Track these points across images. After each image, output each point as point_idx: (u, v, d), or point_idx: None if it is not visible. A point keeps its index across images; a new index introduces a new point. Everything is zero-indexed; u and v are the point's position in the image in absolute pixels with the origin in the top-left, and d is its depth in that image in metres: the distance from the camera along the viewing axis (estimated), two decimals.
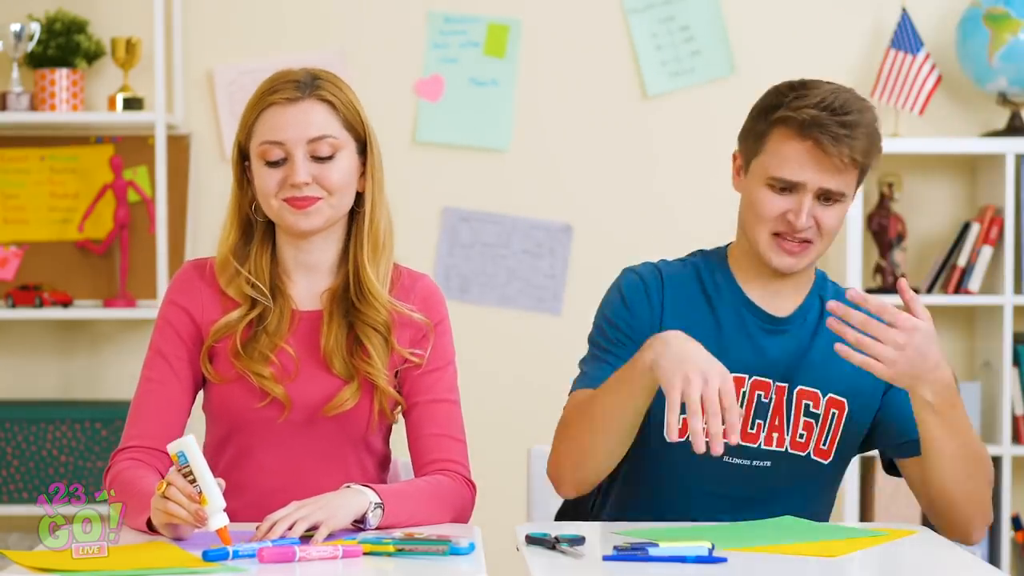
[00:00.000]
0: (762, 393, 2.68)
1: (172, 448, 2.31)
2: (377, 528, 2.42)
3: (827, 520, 2.79)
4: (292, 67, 2.63)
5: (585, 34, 4.71)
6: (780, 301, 2.72)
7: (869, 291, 4.59)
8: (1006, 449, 4.55)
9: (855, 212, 4.50)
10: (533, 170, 4.71)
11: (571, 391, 2.71)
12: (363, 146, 2.66)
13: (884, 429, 2.73)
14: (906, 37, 4.59)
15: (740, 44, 4.71)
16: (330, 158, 2.58)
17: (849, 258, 4.50)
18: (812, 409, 2.69)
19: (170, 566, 2.15)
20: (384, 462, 2.71)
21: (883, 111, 4.71)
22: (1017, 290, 4.58)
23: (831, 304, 2.53)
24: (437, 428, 2.63)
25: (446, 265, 4.70)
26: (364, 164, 2.66)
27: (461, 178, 4.71)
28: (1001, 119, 4.68)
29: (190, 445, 2.30)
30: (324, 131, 2.58)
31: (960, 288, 4.59)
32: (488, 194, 4.70)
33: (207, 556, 2.18)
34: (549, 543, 2.35)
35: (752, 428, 2.67)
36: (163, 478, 2.33)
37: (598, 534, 2.44)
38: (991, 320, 4.62)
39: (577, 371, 2.75)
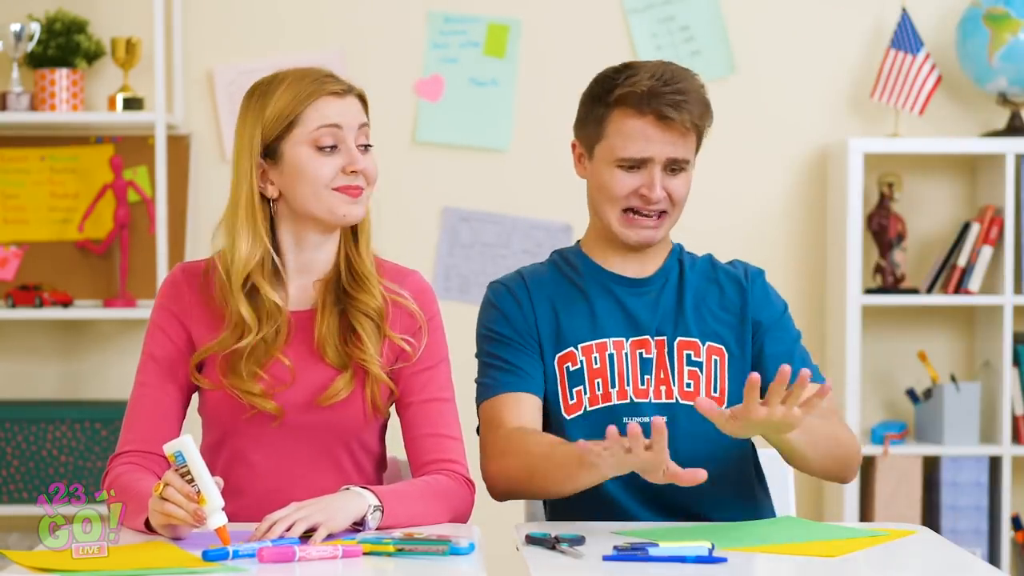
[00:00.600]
0: (643, 351, 2.76)
1: (169, 448, 2.31)
2: (376, 529, 2.42)
3: (758, 486, 2.82)
4: (311, 67, 2.64)
5: (585, 34, 4.71)
6: (640, 267, 2.82)
7: (869, 291, 4.59)
8: (1006, 449, 4.55)
9: (855, 212, 4.50)
10: (533, 170, 4.71)
11: (479, 404, 2.78)
12: None
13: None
14: (906, 37, 4.59)
15: (740, 44, 4.71)
16: (369, 147, 2.61)
17: (849, 258, 4.50)
18: (694, 358, 2.76)
19: (170, 566, 2.15)
20: (381, 461, 2.70)
21: (883, 111, 4.71)
22: (1017, 290, 4.58)
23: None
24: (432, 428, 2.63)
25: (446, 265, 4.70)
26: None
27: (461, 178, 4.71)
28: (1001, 119, 4.68)
29: (187, 445, 2.30)
30: (366, 119, 2.62)
31: (960, 288, 4.58)
32: (488, 194, 4.70)
33: (207, 556, 2.18)
34: (549, 543, 2.35)
35: (642, 384, 2.74)
36: (160, 479, 2.33)
37: (598, 534, 2.44)
38: (991, 320, 4.62)
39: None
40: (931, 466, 4.63)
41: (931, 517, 4.59)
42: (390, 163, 4.68)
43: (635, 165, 2.73)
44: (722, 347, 2.77)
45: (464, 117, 4.70)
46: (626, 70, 2.76)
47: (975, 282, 4.57)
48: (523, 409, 2.73)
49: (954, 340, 4.76)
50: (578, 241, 2.89)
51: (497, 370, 2.76)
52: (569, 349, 2.76)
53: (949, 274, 4.61)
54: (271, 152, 2.58)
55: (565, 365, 2.76)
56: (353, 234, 2.64)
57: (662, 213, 2.75)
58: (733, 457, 2.78)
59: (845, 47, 4.72)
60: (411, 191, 4.68)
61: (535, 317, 2.78)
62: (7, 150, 4.64)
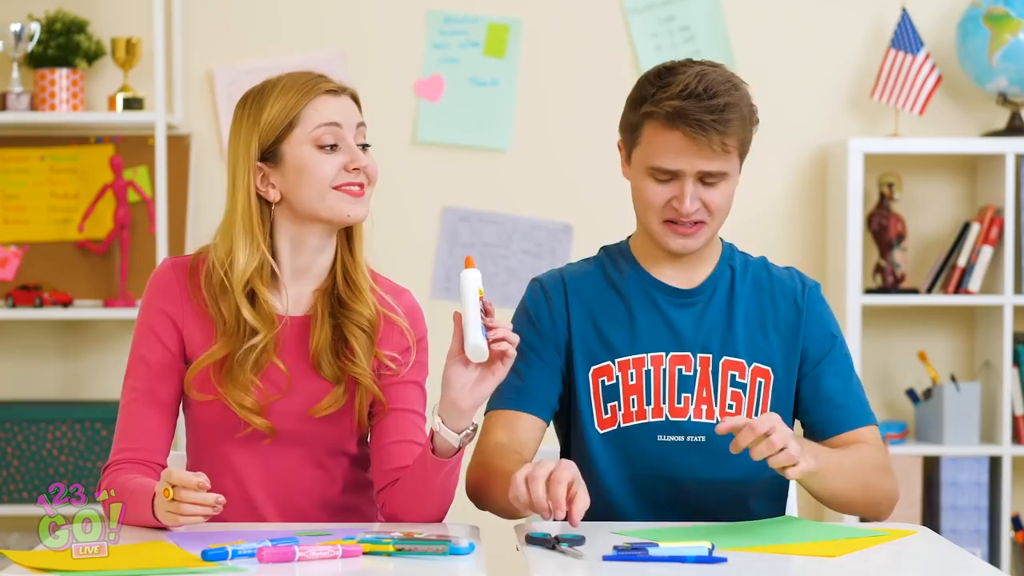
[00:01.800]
0: (683, 367, 2.70)
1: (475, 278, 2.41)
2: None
3: (784, 503, 2.80)
4: (301, 70, 2.63)
5: (585, 34, 4.71)
6: (687, 275, 2.75)
7: (869, 291, 4.60)
8: (1006, 449, 4.55)
9: (855, 212, 4.50)
10: (533, 170, 4.71)
11: (486, 409, 2.75)
12: None
13: (799, 405, 2.75)
14: (906, 37, 4.59)
15: (740, 44, 4.71)
16: (367, 147, 2.60)
17: (849, 258, 4.50)
18: (739, 379, 2.70)
19: (170, 566, 2.15)
20: (363, 461, 2.68)
21: (883, 111, 4.71)
22: (1017, 290, 4.58)
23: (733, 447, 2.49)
24: (403, 435, 2.60)
25: (446, 265, 4.70)
26: None
27: (461, 178, 4.71)
28: (1001, 119, 4.68)
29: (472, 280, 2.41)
30: (363, 119, 2.61)
31: (960, 288, 4.59)
32: (488, 194, 4.71)
33: (207, 556, 2.18)
34: (549, 543, 2.34)
35: (679, 403, 2.69)
36: (163, 478, 2.33)
37: (598, 534, 2.44)
38: (991, 320, 4.62)
39: None
40: (931, 466, 4.63)
41: (931, 517, 4.59)
42: (390, 163, 4.68)
43: (667, 176, 2.66)
44: (768, 368, 2.71)
45: (464, 117, 4.70)
46: (665, 75, 2.66)
47: (975, 282, 4.57)
48: (518, 429, 2.69)
49: (954, 340, 4.76)
50: (629, 237, 2.82)
51: (506, 383, 2.68)
52: (606, 363, 2.70)
53: (949, 274, 4.61)
54: (271, 155, 2.56)
55: (600, 379, 2.70)
56: (348, 242, 2.62)
57: (698, 223, 2.68)
58: (772, 487, 2.74)
59: (845, 47, 4.73)
60: (411, 191, 4.68)
61: (568, 326, 2.73)
62: (7, 150, 4.64)
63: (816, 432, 2.74)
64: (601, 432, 2.69)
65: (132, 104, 4.52)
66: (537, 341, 2.73)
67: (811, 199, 4.74)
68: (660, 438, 2.68)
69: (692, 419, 2.69)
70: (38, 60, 4.52)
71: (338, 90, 2.59)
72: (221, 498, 2.30)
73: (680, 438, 2.68)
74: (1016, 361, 4.60)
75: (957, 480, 4.56)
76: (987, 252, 4.58)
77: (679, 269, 2.74)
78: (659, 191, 2.66)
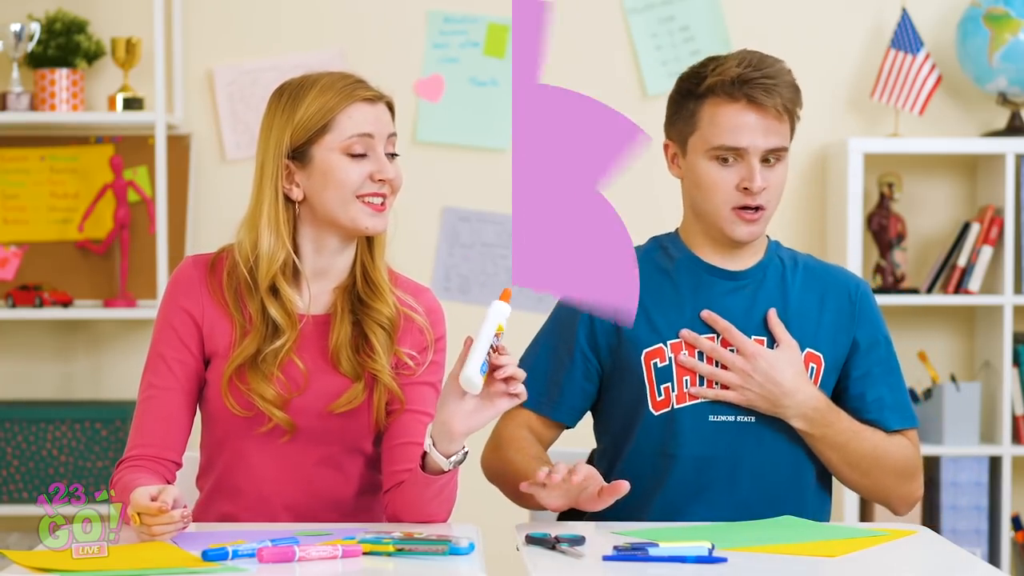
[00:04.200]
0: (735, 348, 2.71)
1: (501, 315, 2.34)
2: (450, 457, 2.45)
3: (827, 492, 2.83)
4: (340, 71, 2.63)
5: (585, 34, 4.71)
6: (737, 262, 2.78)
7: None
8: (1006, 449, 4.55)
9: (855, 212, 4.50)
10: None
11: None
12: None
13: (847, 403, 2.79)
14: (906, 37, 4.59)
15: (740, 44, 4.69)
16: (395, 156, 2.60)
17: (849, 258, 4.50)
18: None
19: (170, 566, 2.15)
20: (376, 462, 2.69)
21: (883, 111, 4.71)
22: (1017, 290, 4.58)
23: (683, 332, 2.66)
24: (412, 437, 2.59)
25: (446, 265, 4.70)
26: None
27: (461, 178, 4.71)
28: (1001, 119, 4.68)
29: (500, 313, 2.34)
30: (394, 129, 2.61)
31: (960, 288, 4.59)
32: (488, 194, 4.70)
33: (207, 556, 2.18)
34: (549, 543, 2.35)
35: None
36: (146, 494, 2.31)
37: (598, 534, 2.44)
38: (991, 320, 4.62)
39: None
40: (931, 466, 4.63)
41: (931, 517, 4.59)
42: None
43: (731, 157, 2.69)
44: (820, 355, 2.75)
45: (464, 117, 4.70)
46: (712, 62, 2.73)
47: (975, 282, 4.57)
48: (542, 431, 2.78)
49: (954, 340, 4.76)
50: (676, 229, 2.84)
51: (537, 380, 2.74)
52: (658, 345, 2.73)
53: (949, 274, 4.61)
54: (300, 155, 2.56)
55: (653, 361, 2.73)
56: (368, 242, 2.62)
57: (760, 208, 2.70)
58: (818, 472, 2.78)
59: (845, 47, 4.72)
60: (411, 191, 4.65)
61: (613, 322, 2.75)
62: (7, 150, 4.64)
63: None
64: (656, 414, 2.72)
65: (132, 104, 4.52)
66: (576, 341, 2.76)
67: (811, 199, 4.74)
68: (711, 417, 2.70)
69: None
70: (38, 60, 4.52)
71: (375, 98, 2.59)
72: (187, 512, 2.30)
73: (731, 418, 2.71)
74: (1016, 361, 4.60)
75: (957, 480, 4.56)
76: (987, 252, 4.58)
77: (730, 257, 2.77)
78: (725, 175, 2.70)
